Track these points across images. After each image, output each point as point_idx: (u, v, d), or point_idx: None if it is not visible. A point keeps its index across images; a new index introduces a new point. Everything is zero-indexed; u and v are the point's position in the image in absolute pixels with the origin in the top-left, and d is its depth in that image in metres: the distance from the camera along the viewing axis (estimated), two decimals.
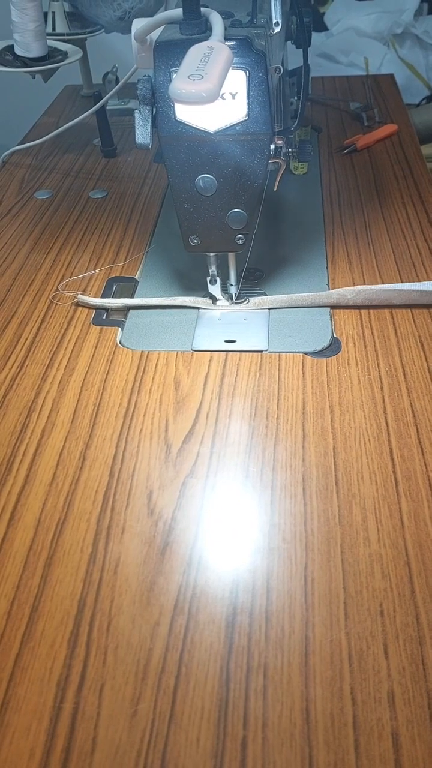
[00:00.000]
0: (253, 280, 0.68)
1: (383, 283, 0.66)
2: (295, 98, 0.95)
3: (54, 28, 0.99)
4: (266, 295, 0.66)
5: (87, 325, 0.64)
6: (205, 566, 0.43)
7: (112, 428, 0.53)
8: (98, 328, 0.63)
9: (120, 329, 0.63)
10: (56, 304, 0.66)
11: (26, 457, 0.51)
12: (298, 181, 0.86)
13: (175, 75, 0.40)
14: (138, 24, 0.55)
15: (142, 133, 0.52)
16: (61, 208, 0.84)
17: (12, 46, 0.87)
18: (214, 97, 0.39)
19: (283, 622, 0.39)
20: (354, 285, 0.66)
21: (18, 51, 0.86)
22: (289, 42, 0.87)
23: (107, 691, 0.37)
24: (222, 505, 0.46)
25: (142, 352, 0.60)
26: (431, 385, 0.54)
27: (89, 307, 0.65)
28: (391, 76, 1.14)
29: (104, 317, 0.65)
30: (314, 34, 1.56)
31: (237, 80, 0.48)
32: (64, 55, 0.90)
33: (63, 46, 0.93)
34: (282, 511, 0.46)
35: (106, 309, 0.65)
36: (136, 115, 0.52)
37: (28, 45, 0.85)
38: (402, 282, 0.66)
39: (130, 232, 0.78)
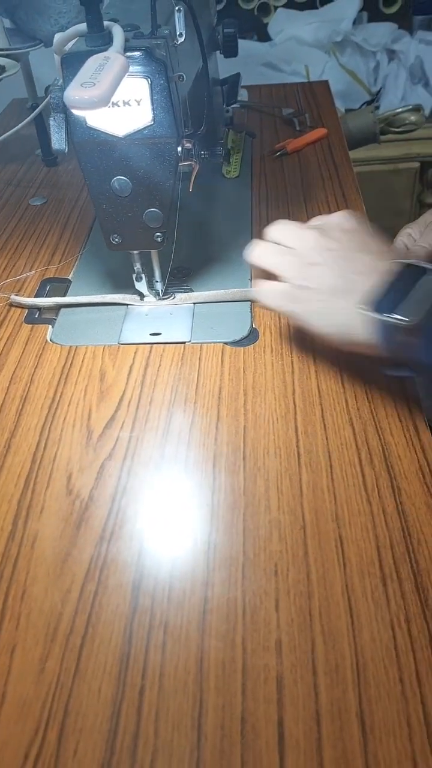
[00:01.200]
0: (181, 278, 0.71)
1: None
2: (229, 106, 1.00)
3: None
4: (192, 291, 0.69)
5: (19, 323, 0.67)
6: (116, 538, 0.46)
7: (37, 418, 0.56)
8: (29, 326, 0.66)
9: (51, 327, 0.66)
10: None
11: None
12: (230, 184, 0.90)
13: (70, 84, 0.43)
14: (57, 38, 0.58)
15: (57, 139, 0.55)
16: (0, 216, 0.87)
17: None
18: (105, 102, 0.43)
19: (185, 584, 0.43)
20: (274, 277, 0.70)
21: None
22: (218, 52, 0.91)
23: (18, 652, 0.40)
24: (136, 484, 0.50)
25: (70, 347, 0.63)
26: (338, 368, 0.58)
27: (22, 306, 0.68)
28: (326, 82, 1.19)
29: (36, 316, 0.68)
30: (258, 44, 1.62)
31: (140, 87, 0.52)
32: (2, 69, 0.93)
33: (2, 61, 0.96)
34: (192, 486, 0.49)
35: (39, 308, 0.68)
36: (51, 122, 0.55)
37: None
38: None
39: (66, 236, 0.81)
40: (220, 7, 1.65)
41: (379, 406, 0.54)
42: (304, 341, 0.61)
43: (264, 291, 0.56)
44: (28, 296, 0.70)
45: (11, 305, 0.69)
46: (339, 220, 0.55)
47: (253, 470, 0.50)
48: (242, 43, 1.63)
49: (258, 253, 0.56)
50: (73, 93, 0.42)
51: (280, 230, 0.56)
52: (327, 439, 0.51)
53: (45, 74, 1.18)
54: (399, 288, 0.47)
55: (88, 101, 0.42)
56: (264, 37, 1.66)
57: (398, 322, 0.46)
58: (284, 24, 1.58)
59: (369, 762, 0.34)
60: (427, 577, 0.42)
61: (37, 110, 0.83)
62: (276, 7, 1.65)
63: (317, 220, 0.57)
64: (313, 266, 0.52)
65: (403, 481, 0.48)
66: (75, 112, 0.43)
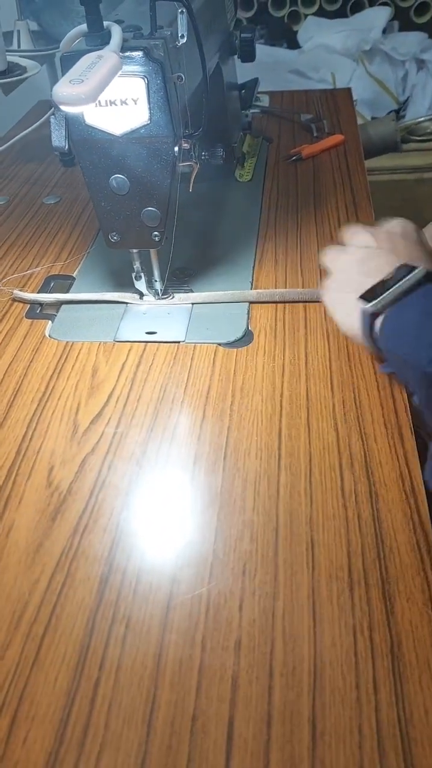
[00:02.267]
0: (183, 278, 0.72)
1: (303, 281, 0.70)
2: (247, 110, 1.00)
3: (19, 45, 1.04)
4: (192, 292, 0.69)
5: (20, 318, 0.68)
6: (89, 531, 0.46)
7: (26, 410, 0.56)
8: (29, 321, 0.67)
9: (50, 322, 0.67)
10: None
11: None
12: (242, 187, 0.90)
13: (60, 80, 0.44)
14: (64, 38, 0.59)
15: (57, 137, 0.56)
16: (14, 213, 0.88)
17: None
18: (92, 99, 0.43)
19: (152, 579, 0.43)
20: (276, 283, 0.70)
21: None
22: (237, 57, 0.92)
23: None
24: (115, 479, 0.50)
25: (67, 342, 0.64)
26: (329, 373, 0.57)
27: (24, 301, 0.69)
28: (348, 90, 1.19)
29: (38, 311, 0.69)
30: (287, 51, 1.62)
31: (137, 87, 0.52)
32: (24, 69, 0.95)
33: (24, 62, 0.98)
34: (170, 483, 0.49)
35: (40, 303, 0.69)
36: (52, 120, 0.56)
37: None
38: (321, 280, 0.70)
39: (75, 235, 0.82)
40: (250, 14, 1.66)
41: (366, 412, 0.53)
42: (298, 345, 0.61)
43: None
44: (32, 292, 0.71)
45: (14, 300, 0.70)
46: (392, 225, 0.56)
47: (232, 470, 0.49)
48: (271, 50, 1.64)
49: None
50: (61, 89, 0.43)
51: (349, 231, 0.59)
52: (310, 442, 0.51)
53: None
54: (389, 284, 0.47)
55: (75, 97, 0.43)
56: (294, 44, 1.66)
57: (367, 309, 0.47)
58: (314, 32, 1.58)
59: (315, 767, 0.33)
60: (395, 585, 0.41)
61: (51, 110, 0.84)
62: (306, 15, 1.66)
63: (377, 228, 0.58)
64: (344, 260, 0.55)
65: (381, 488, 0.47)
66: (63, 108, 0.44)
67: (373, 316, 0.48)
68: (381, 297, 0.47)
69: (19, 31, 1.04)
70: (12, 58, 0.97)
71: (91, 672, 0.38)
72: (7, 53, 0.96)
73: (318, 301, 0.64)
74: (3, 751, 0.35)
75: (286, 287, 0.69)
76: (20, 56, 1.01)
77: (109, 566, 0.44)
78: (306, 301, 0.66)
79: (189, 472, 0.50)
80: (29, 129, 0.88)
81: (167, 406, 0.56)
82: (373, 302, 0.47)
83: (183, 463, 0.51)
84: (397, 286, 0.47)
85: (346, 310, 0.53)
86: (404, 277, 0.47)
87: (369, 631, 0.39)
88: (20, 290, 0.70)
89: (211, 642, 0.39)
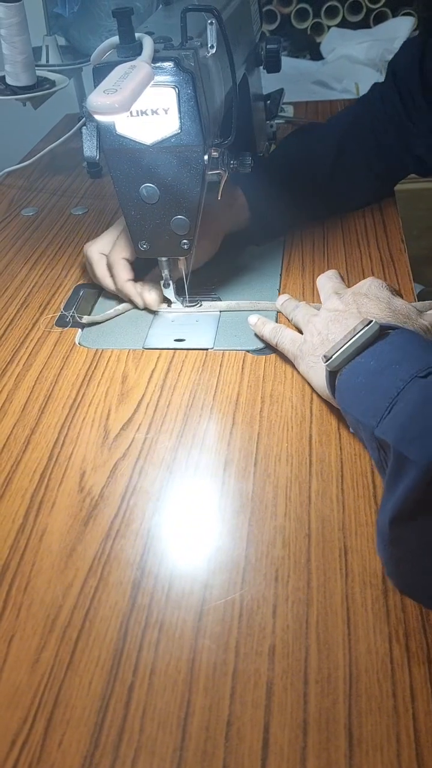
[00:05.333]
0: (210, 286, 0.72)
1: None
2: (272, 121, 1.01)
3: (47, 60, 1.06)
4: (220, 300, 0.70)
5: (51, 326, 0.68)
6: (122, 536, 0.46)
7: (58, 416, 0.57)
8: (60, 329, 0.68)
9: (80, 330, 0.67)
10: (27, 307, 0.71)
11: None
12: None
13: (94, 90, 0.45)
14: (95, 51, 0.60)
15: (89, 147, 0.57)
16: (43, 224, 0.89)
17: (4, 77, 0.94)
18: (125, 109, 0.44)
19: (184, 584, 0.42)
20: (303, 290, 0.70)
21: (9, 81, 0.93)
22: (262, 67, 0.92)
23: (15, 641, 0.40)
24: (146, 484, 0.50)
25: (96, 350, 0.64)
26: None
27: (95, 323, 0.69)
28: None
29: (67, 320, 0.69)
30: (310, 63, 1.62)
31: (168, 97, 0.53)
32: (53, 83, 0.97)
33: (53, 76, 0.99)
34: (201, 489, 0.49)
35: (97, 322, 0.69)
36: (84, 130, 0.57)
37: (17, 75, 0.92)
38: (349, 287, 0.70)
39: None
40: (273, 26, 1.67)
41: None
42: None
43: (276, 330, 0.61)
44: (62, 300, 0.72)
45: (83, 325, 0.69)
46: (359, 286, 0.57)
47: (263, 476, 0.49)
48: (294, 62, 1.65)
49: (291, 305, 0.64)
50: (96, 99, 0.43)
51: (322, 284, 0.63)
52: (341, 449, 0.51)
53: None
54: (344, 341, 0.47)
55: (109, 107, 0.43)
56: (317, 56, 1.67)
57: (326, 367, 0.48)
58: (337, 43, 1.59)
59: None
60: None
61: (81, 123, 0.86)
62: (329, 27, 1.66)
63: (346, 289, 0.59)
64: (314, 324, 0.56)
65: None
66: (97, 118, 0.44)
67: (334, 374, 0.48)
68: (336, 354, 0.46)
69: (47, 47, 1.06)
70: (41, 72, 0.98)
71: (125, 676, 0.38)
72: (36, 68, 0.98)
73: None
74: (39, 754, 0.35)
75: (313, 295, 0.69)
76: (48, 71, 1.03)
77: (142, 571, 0.44)
78: None
79: (219, 477, 0.50)
80: (58, 141, 0.89)
81: (197, 412, 0.56)
82: (329, 360, 0.47)
83: (213, 469, 0.51)
84: (350, 344, 0.45)
85: (317, 375, 0.54)
86: (358, 332, 0.46)
87: (405, 639, 0.38)
88: (80, 316, 0.69)
89: (245, 648, 0.39)
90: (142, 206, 0.60)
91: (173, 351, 0.63)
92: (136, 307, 0.69)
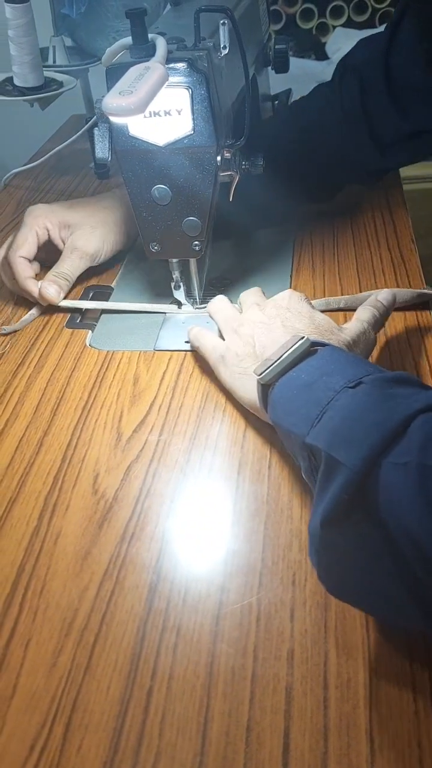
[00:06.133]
0: (221, 288, 0.72)
1: (342, 289, 0.69)
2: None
3: (54, 61, 1.06)
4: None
5: (61, 328, 0.68)
6: (137, 539, 0.46)
7: (70, 419, 0.57)
8: (70, 330, 0.68)
9: (90, 332, 0.67)
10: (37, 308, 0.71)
11: None
12: None
13: (109, 92, 0.45)
14: (106, 52, 0.60)
15: (101, 148, 0.57)
16: None
17: (12, 78, 0.94)
18: (141, 110, 0.44)
19: (200, 588, 0.42)
20: (314, 291, 0.70)
21: (16, 82, 0.93)
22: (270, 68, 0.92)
23: (32, 645, 0.40)
24: (160, 486, 0.50)
25: (108, 352, 0.64)
26: None
27: (68, 309, 0.70)
28: None
29: (78, 321, 0.69)
30: (315, 63, 1.62)
31: (181, 98, 0.53)
32: (60, 84, 0.96)
33: (60, 77, 0.99)
34: (215, 492, 0.49)
35: (81, 312, 0.70)
36: (96, 131, 0.57)
37: (25, 76, 0.92)
38: (360, 287, 0.70)
39: None
40: (278, 26, 1.67)
41: None
42: None
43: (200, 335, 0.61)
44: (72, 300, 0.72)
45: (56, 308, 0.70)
46: (279, 298, 0.57)
47: (278, 479, 0.49)
48: (299, 62, 1.65)
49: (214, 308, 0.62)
50: (111, 101, 0.43)
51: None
52: None
53: (103, 91, 1.22)
54: (277, 356, 0.46)
55: (125, 108, 0.43)
56: (322, 56, 1.66)
57: (258, 381, 0.47)
58: (342, 43, 1.59)
59: None
60: None
61: (89, 124, 0.86)
62: (334, 27, 1.66)
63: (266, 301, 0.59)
64: (239, 336, 0.56)
65: None
66: (112, 119, 0.44)
67: (266, 388, 0.48)
68: (269, 368, 0.46)
69: (54, 47, 1.05)
70: (48, 73, 0.98)
71: (144, 680, 0.38)
72: (43, 69, 0.97)
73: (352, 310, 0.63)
74: (58, 759, 0.35)
75: (324, 295, 0.69)
76: (55, 71, 1.03)
77: (158, 575, 0.43)
78: (345, 309, 0.66)
79: (234, 480, 0.50)
80: (66, 142, 0.89)
81: (209, 414, 0.56)
82: (263, 374, 0.47)
83: (227, 471, 0.50)
84: (282, 359, 0.46)
85: (244, 386, 0.53)
86: (290, 347, 0.46)
87: (424, 643, 0.38)
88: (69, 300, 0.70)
89: (263, 652, 0.39)
90: (154, 207, 0.60)
91: (184, 353, 0.63)
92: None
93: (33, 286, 0.69)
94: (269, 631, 0.40)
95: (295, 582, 0.42)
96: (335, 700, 0.36)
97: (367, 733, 0.35)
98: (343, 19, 1.66)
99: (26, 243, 0.70)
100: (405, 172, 0.97)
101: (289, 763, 0.34)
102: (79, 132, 0.88)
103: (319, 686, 0.37)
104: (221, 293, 0.70)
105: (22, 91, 0.92)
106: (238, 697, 0.37)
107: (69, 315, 0.70)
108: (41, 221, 0.72)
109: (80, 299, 0.72)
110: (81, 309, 0.70)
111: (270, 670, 0.38)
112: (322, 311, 0.56)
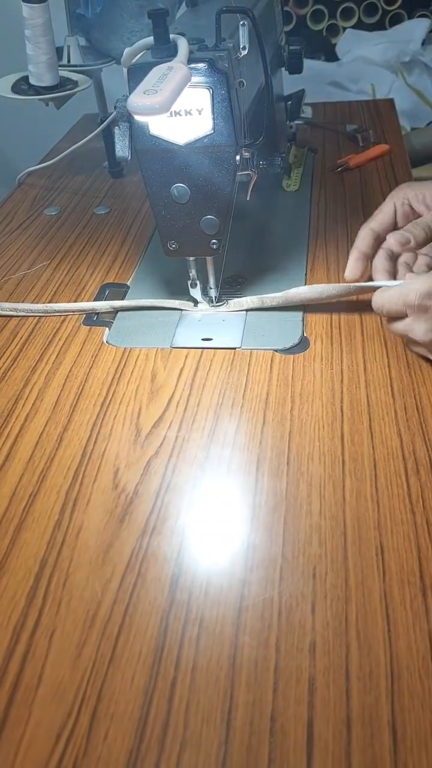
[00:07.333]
0: (236, 286, 0.72)
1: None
2: (293, 122, 1.01)
3: (69, 60, 1.06)
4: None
5: (78, 325, 0.69)
6: (158, 533, 0.46)
7: (89, 414, 0.57)
8: (87, 327, 0.68)
9: (107, 329, 0.68)
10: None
11: (9, 438, 0.55)
12: (290, 197, 0.91)
13: (134, 91, 0.45)
14: (126, 52, 0.61)
15: (121, 147, 0.58)
16: (66, 223, 0.90)
17: (27, 77, 0.95)
18: (166, 109, 0.44)
19: (222, 581, 0.43)
20: None
21: (32, 81, 0.94)
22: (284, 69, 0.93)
23: (57, 636, 0.41)
24: (180, 481, 0.50)
25: (125, 349, 0.65)
26: (388, 380, 0.57)
27: (84, 311, 0.71)
28: (391, 101, 1.19)
29: (95, 318, 0.70)
30: (325, 64, 1.63)
31: (202, 97, 0.53)
32: (75, 84, 0.97)
33: (75, 77, 1.00)
34: (234, 487, 0.49)
35: (96, 312, 0.70)
36: (116, 130, 0.58)
37: (41, 75, 0.93)
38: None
39: (127, 244, 0.83)
40: (289, 27, 1.68)
41: (430, 418, 0.53)
42: (356, 351, 0.61)
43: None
44: (88, 299, 0.73)
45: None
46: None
47: (296, 475, 0.50)
48: (310, 63, 1.65)
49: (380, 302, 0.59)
50: (136, 100, 0.44)
51: None
52: (373, 448, 0.51)
53: (116, 90, 1.23)
54: None
55: (150, 107, 0.44)
56: (332, 57, 1.67)
57: None
58: (352, 44, 1.59)
59: None
60: None
61: (105, 123, 0.86)
62: (345, 28, 1.67)
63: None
64: None
65: None
66: (137, 118, 0.45)
67: None
68: None
69: (69, 47, 1.06)
70: (63, 72, 0.99)
71: (168, 671, 0.38)
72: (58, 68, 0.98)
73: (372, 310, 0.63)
74: (85, 747, 0.35)
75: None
76: (70, 71, 1.03)
77: (179, 568, 0.44)
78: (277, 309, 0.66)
79: (252, 475, 0.50)
80: (82, 141, 0.90)
81: (227, 410, 0.56)
82: None
83: (246, 467, 0.51)
84: None
85: None
86: None
87: None
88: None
89: (286, 644, 0.39)
90: (173, 206, 0.60)
91: (201, 350, 0.64)
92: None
93: (352, 260, 0.67)
94: (291, 623, 0.40)
95: (316, 576, 0.43)
96: (357, 691, 0.37)
97: (390, 725, 0.35)
98: (354, 21, 1.66)
99: (380, 213, 0.68)
100: (418, 172, 0.98)
101: (314, 752, 0.34)
102: (96, 131, 0.88)
103: (341, 677, 0.37)
104: (237, 291, 0.71)
105: (38, 91, 0.93)
106: (262, 688, 0.37)
107: (86, 313, 0.71)
108: (401, 192, 0.70)
109: (96, 297, 0.73)
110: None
111: (293, 662, 0.38)
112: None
